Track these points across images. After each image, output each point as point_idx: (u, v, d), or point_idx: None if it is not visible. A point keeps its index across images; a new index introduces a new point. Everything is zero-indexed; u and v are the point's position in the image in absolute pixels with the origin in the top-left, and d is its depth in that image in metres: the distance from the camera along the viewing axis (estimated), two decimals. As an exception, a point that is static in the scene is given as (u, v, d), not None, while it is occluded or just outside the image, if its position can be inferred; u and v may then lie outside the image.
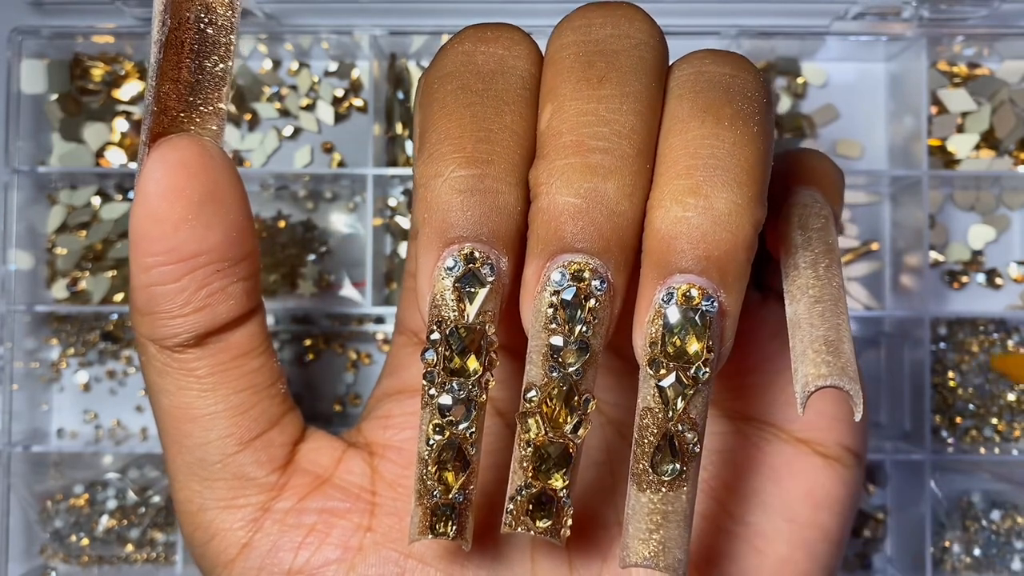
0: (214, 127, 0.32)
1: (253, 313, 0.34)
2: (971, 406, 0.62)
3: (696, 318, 0.28)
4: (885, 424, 0.62)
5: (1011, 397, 0.61)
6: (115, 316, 0.63)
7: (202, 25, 0.31)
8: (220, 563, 0.35)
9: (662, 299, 0.28)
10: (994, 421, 0.61)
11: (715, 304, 0.28)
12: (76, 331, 0.63)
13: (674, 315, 0.28)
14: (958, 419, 0.61)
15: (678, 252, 0.28)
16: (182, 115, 0.31)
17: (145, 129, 0.31)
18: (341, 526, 0.35)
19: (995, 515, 0.61)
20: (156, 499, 0.62)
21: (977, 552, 0.60)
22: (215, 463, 0.34)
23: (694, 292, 0.28)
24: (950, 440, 0.61)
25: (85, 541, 0.61)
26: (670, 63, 0.32)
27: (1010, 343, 0.62)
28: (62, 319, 0.63)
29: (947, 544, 0.60)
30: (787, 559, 0.37)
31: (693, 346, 0.28)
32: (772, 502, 0.37)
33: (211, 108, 0.32)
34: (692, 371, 0.28)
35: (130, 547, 0.62)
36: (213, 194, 0.31)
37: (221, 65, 0.31)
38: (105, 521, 0.61)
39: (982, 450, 0.61)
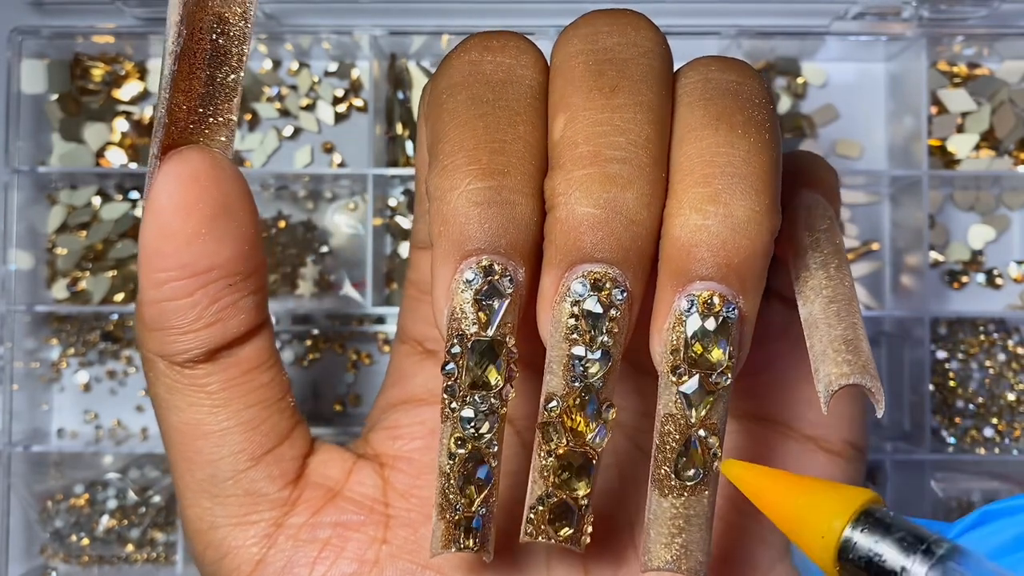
0: (223, 138, 0.31)
1: (262, 327, 0.33)
2: (971, 406, 0.62)
3: (718, 325, 0.28)
4: (885, 424, 0.62)
5: (1011, 397, 0.62)
6: (115, 316, 0.62)
7: (215, 35, 0.30)
8: None
9: (683, 306, 0.28)
10: (994, 421, 0.61)
11: (735, 311, 0.28)
12: (76, 331, 0.62)
13: (695, 322, 0.28)
14: (958, 419, 0.62)
15: (698, 260, 0.28)
16: (191, 126, 0.31)
17: (156, 141, 0.30)
18: (356, 539, 0.35)
19: (994, 514, 0.61)
20: (156, 499, 0.62)
21: (976, 551, 0.61)
22: (227, 480, 0.34)
23: (715, 299, 0.28)
24: (950, 440, 0.61)
25: (85, 541, 0.61)
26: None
27: (1010, 343, 0.62)
28: (62, 319, 0.62)
29: (946, 543, 0.61)
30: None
31: (715, 352, 0.28)
32: None
33: (221, 119, 0.31)
34: (714, 377, 0.28)
35: (130, 547, 0.61)
36: (225, 207, 0.30)
37: (232, 76, 0.31)
38: (105, 521, 0.61)
39: (982, 450, 0.61)
